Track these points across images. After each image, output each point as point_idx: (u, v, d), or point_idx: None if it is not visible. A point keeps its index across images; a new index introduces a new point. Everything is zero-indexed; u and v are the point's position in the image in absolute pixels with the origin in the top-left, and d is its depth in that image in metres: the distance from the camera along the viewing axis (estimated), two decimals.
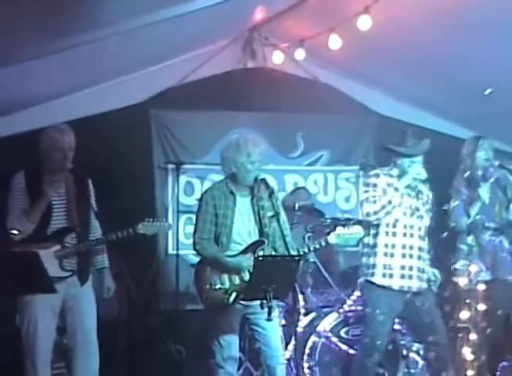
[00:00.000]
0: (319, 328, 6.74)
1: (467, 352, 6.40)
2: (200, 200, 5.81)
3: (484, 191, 6.56)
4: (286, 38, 8.12)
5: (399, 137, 6.00)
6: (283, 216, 5.77)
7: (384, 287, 5.94)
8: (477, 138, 6.78)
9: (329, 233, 5.87)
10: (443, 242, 6.62)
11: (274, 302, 5.22)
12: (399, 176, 5.97)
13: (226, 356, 5.65)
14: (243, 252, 5.66)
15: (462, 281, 6.51)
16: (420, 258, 5.98)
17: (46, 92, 7.30)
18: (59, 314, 5.58)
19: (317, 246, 5.83)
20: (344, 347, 6.68)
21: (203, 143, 8.38)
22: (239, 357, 6.09)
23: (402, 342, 6.60)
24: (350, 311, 6.78)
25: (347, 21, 6.69)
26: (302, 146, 8.74)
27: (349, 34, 6.89)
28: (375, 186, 5.95)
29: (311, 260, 7.19)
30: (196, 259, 6.00)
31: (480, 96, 7.28)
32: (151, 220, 5.77)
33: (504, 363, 6.60)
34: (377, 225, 5.97)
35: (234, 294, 5.55)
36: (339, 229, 5.86)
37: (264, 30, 8.27)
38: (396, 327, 6.52)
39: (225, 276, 5.62)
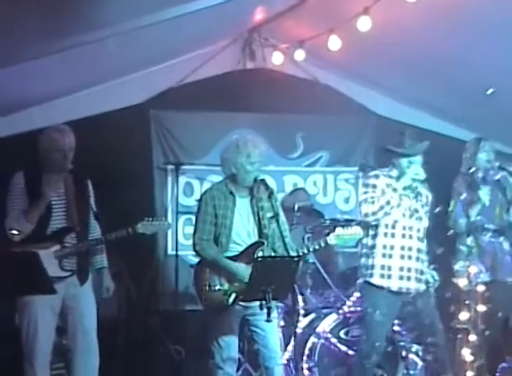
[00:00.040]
0: (319, 329, 6.74)
1: (467, 354, 6.41)
2: (200, 200, 5.81)
3: (484, 193, 6.57)
4: (286, 39, 8.12)
5: (398, 138, 6.00)
6: (283, 217, 5.77)
7: (382, 287, 5.94)
8: (478, 139, 6.79)
9: (328, 234, 5.86)
10: (443, 243, 6.62)
11: (273, 303, 5.22)
12: (398, 177, 5.97)
13: (225, 357, 5.65)
14: (243, 254, 5.65)
15: (461, 282, 6.52)
16: (418, 259, 5.98)
17: (46, 93, 7.30)
18: (58, 314, 5.57)
19: (316, 247, 5.82)
20: (343, 348, 6.68)
21: (203, 144, 8.38)
22: (239, 358, 6.09)
23: (402, 343, 6.60)
24: (349, 312, 6.78)
25: (346, 22, 6.69)
26: (302, 146, 8.74)
27: (349, 35, 6.89)
28: (374, 186, 5.95)
29: (311, 261, 7.20)
30: (196, 260, 5.99)
31: (479, 97, 7.28)
32: (150, 219, 5.77)
33: (504, 365, 6.60)
34: (376, 227, 5.97)
35: (233, 295, 5.54)
36: (338, 230, 5.86)
37: (263, 30, 8.27)
38: (395, 328, 6.53)
39: (225, 278, 5.61)
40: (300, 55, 7.90)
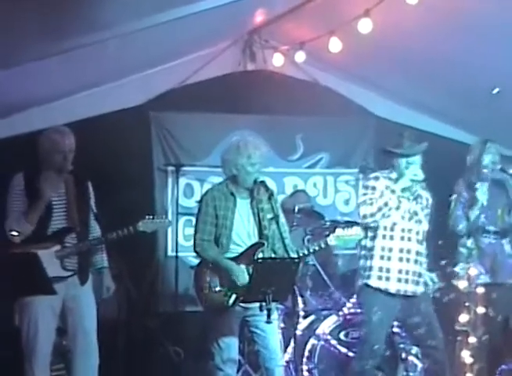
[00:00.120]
0: (319, 331, 6.74)
1: (466, 356, 6.41)
2: (200, 201, 5.82)
3: (480, 193, 6.58)
4: (287, 41, 8.13)
5: (397, 139, 6.00)
6: (283, 219, 5.77)
7: (380, 289, 5.94)
8: (484, 141, 6.78)
9: (328, 235, 5.87)
10: (443, 245, 6.62)
11: (273, 305, 5.23)
12: (397, 179, 5.97)
13: (225, 358, 5.65)
14: (243, 255, 5.65)
15: (461, 284, 6.52)
16: (416, 262, 5.97)
17: (46, 94, 7.30)
18: (59, 315, 5.57)
19: (316, 248, 5.83)
20: (343, 350, 6.69)
21: (203, 145, 8.38)
22: (239, 359, 6.10)
23: (401, 346, 6.60)
24: (349, 314, 6.78)
25: (347, 24, 6.70)
26: (302, 148, 8.75)
27: (349, 37, 6.90)
28: (373, 188, 5.95)
29: (311, 263, 7.20)
30: (196, 261, 6.00)
31: (479, 99, 7.30)
32: (151, 217, 5.77)
33: (503, 367, 6.60)
34: (375, 229, 5.97)
35: (233, 297, 5.54)
36: (338, 231, 5.86)
37: (264, 32, 8.27)
38: (395, 330, 6.53)
39: (225, 279, 5.62)
40: (300, 56, 7.90)
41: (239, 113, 8.44)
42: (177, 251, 8.05)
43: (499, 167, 6.62)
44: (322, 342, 6.70)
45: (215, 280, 5.63)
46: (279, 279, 5.17)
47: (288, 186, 8.66)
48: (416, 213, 5.99)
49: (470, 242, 6.66)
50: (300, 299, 6.94)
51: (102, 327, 5.79)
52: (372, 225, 5.94)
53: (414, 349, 6.45)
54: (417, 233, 5.99)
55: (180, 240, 8.22)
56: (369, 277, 5.97)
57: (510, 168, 6.60)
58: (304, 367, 6.66)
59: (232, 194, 5.72)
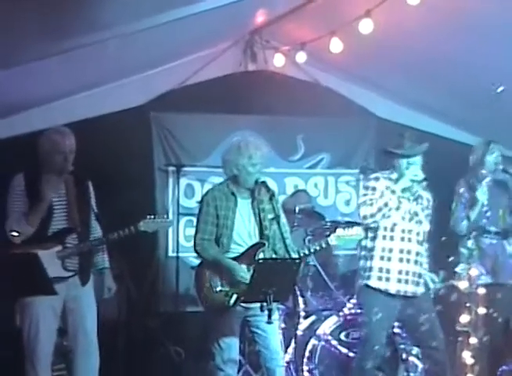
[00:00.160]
0: (319, 331, 6.74)
1: (467, 356, 6.40)
2: (201, 201, 5.82)
3: (481, 193, 6.57)
4: (288, 41, 8.12)
5: (397, 140, 6.00)
6: (283, 219, 5.78)
7: (379, 290, 5.94)
8: (487, 142, 6.78)
9: (329, 235, 5.87)
10: (444, 246, 6.62)
11: (274, 305, 5.23)
12: (397, 179, 5.97)
13: (226, 359, 5.65)
14: (244, 255, 5.65)
15: (462, 285, 6.51)
16: (416, 262, 5.97)
17: (46, 94, 7.30)
18: (60, 316, 5.57)
19: (317, 248, 5.83)
20: (343, 350, 6.68)
21: (204, 146, 8.37)
22: (239, 360, 6.10)
23: (402, 346, 6.59)
24: (350, 314, 6.78)
25: (348, 24, 6.69)
26: (303, 149, 8.74)
27: (350, 38, 6.89)
28: (374, 189, 5.95)
29: (312, 263, 7.19)
30: (197, 261, 6.00)
31: (481, 100, 7.28)
32: (152, 217, 5.77)
33: (504, 367, 6.60)
34: (376, 229, 5.97)
35: (234, 297, 5.54)
36: (339, 231, 5.87)
37: (265, 32, 8.27)
38: (396, 330, 6.53)
39: (226, 279, 5.62)
40: (301, 57, 7.90)
41: (240, 114, 8.44)
42: (178, 252, 8.05)
43: (501, 167, 6.62)
44: (322, 343, 6.70)
45: (216, 280, 5.63)
46: (280, 279, 5.17)
47: (289, 186, 8.65)
48: (416, 214, 5.99)
49: (470, 242, 6.66)
50: (301, 299, 6.94)
51: (103, 327, 5.80)
52: (372, 225, 5.94)
53: (415, 350, 6.45)
54: (418, 233, 5.99)
55: (181, 241, 8.23)
56: (369, 278, 5.97)
57: (511, 169, 6.60)
58: (305, 368, 6.66)
59: (233, 194, 5.72)
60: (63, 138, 5.53)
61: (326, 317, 6.84)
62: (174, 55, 7.94)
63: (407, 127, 7.98)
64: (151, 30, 5.65)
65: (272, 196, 5.65)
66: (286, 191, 8.53)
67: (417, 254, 5.97)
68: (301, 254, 5.70)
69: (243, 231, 5.72)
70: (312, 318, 6.95)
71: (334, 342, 6.71)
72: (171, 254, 8.33)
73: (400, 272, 5.92)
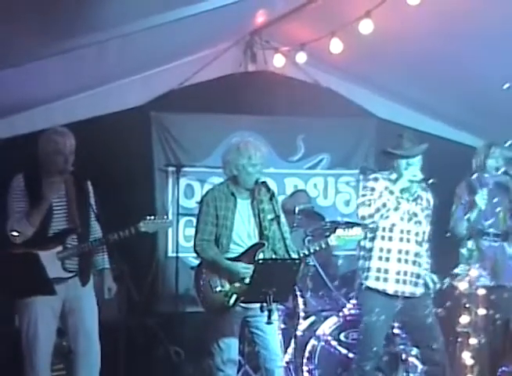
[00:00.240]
0: (319, 332, 6.74)
1: (467, 357, 6.40)
2: (201, 202, 5.83)
3: (480, 197, 6.57)
4: (288, 42, 8.12)
5: (396, 140, 6.01)
6: (283, 219, 5.78)
7: (377, 290, 5.95)
8: (489, 145, 6.78)
9: (329, 236, 5.87)
10: (445, 246, 6.62)
11: (274, 305, 5.23)
12: (396, 179, 5.97)
13: (226, 359, 5.66)
14: (244, 255, 5.66)
15: (462, 286, 6.51)
16: (415, 263, 5.97)
17: (46, 94, 7.29)
18: (59, 316, 5.57)
19: (317, 248, 5.84)
20: (343, 351, 6.68)
21: (204, 146, 8.37)
22: (239, 360, 6.10)
23: (401, 347, 6.59)
24: (349, 315, 6.78)
25: (348, 25, 6.69)
26: (303, 149, 8.74)
27: (350, 38, 6.89)
28: (373, 189, 5.95)
29: (311, 263, 7.19)
30: (196, 262, 6.01)
31: (481, 101, 7.29)
32: (152, 218, 5.77)
33: (504, 368, 6.60)
34: (375, 229, 5.97)
35: (234, 297, 5.55)
36: (339, 231, 5.88)
37: (265, 33, 8.27)
38: (395, 331, 6.53)
39: (226, 279, 5.62)
40: (301, 57, 7.90)
41: (240, 114, 8.43)
42: (177, 252, 8.06)
43: (503, 169, 6.62)
44: (322, 343, 6.70)
45: (216, 280, 5.64)
46: (279, 279, 5.18)
47: (289, 186, 8.65)
48: (415, 214, 5.99)
49: (470, 243, 6.67)
50: (300, 300, 6.94)
51: (103, 327, 5.78)
52: (371, 226, 5.94)
53: (414, 350, 6.44)
54: (416, 234, 5.99)
55: (180, 241, 8.23)
56: (367, 278, 5.98)
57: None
58: (305, 368, 6.66)
59: (232, 195, 5.73)
60: (63, 138, 5.53)
61: (326, 318, 6.84)
62: (174, 55, 7.93)
63: (407, 127, 7.98)
64: (151, 30, 5.64)
65: (271, 196, 5.65)
66: (286, 191, 8.53)
67: (416, 254, 5.98)
68: (301, 255, 5.71)
69: (243, 231, 5.72)
70: (312, 318, 6.95)
71: (334, 343, 6.71)
72: (170, 254, 8.34)
73: (398, 273, 5.92)
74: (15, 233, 5.37)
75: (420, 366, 6.40)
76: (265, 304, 5.22)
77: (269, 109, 8.26)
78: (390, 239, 5.95)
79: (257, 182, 5.68)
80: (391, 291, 5.91)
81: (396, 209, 5.90)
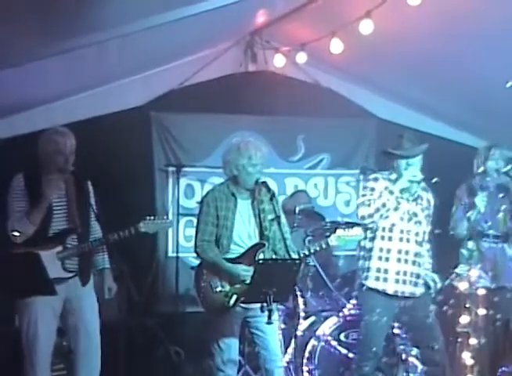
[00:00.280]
0: (319, 332, 6.74)
1: (467, 357, 6.41)
2: (201, 202, 5.83)
3: (480, 199, 6.57)
4: (288, 42, 8.12)
5: (397, 140, 6.01)
6: (283, 219, 5.78)
7: (377, 290, 5.95)
8: (489, 147, 6.78)
9: (329, 236, 5.87)
10: (445, 246, 6.62)
11: (274, 305, 5.23)
12: (396, 180, 5.97)
13: (226, 359, 5.66)
14: (244, 255, 5.65)
15: (462, 286, 6.51)
16: (415, 263, 5.98)
17: (46, 94, 7.29)
18: (59, 316, 5.57)
19: (317, 248, 5.85)
20: (343, 351, 6.68)
21: (204, 146, 8.37)
22: (239, 360, 6.10)
23: (401, 347, 6.59)
24: (349, 315, 6.77)
25: (349, 25, 6.68)
26: (303, 149, 8.73)
27: (351, 38, 6.89)
28: (372, 189, 5.96)
29: (312, 263, 7.19)
30: (196, 262, 6.01)
31: (482, 101, 7.28)
32: (152, 218, 5.77)
33: (504, 369, 6.60)
34: (375, 229, 5.97)
35: (234, 297, 5.55)
36: (339, 232, 5.88)
37: (265, 33, 8.26)
38: (395, 331, 6.52)
39: (226, 279, 5.62)
40: (301, 57, 7.89)
41: (240, 114, 8.42)
42: (177, 252, 8.06)
43: (503, 170, 6.61)
44: (322, 343, 6.70)
45: (216, 280, 5.64)
46: (280, 280, 5.18)
47: (289, 186, 8.65)
48: (415, 214, 5.99)
49: (470, 244, 6.67)
50: (300, 300, 6.93)
51: (103, 327, 5.78)
52: (370, 226, 5.94)
53: (414, 350, 6.44)
54: (416, 234, 5.99)
55: (181, 241, 8.23)
56: (366, 278, 5.98)
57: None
58: (305, 368, 6.66)
59: (233, 195, 5.73)
60: (63, 138, 5.53)
61: (326, 318, 6.84)
62: (174, 55, 7.93)
63: (408, 128, 7.98)
64: (151, 30, 5.64)
65: (272, 196, 5.65)
66: (286, 191, 8.52)
67: (416, 254, 5.98)
68: (301, 255, 5.72)
69: (243, 232, 5.72)
70: (312, 319, 6.95)
71: (334, 343, 6.71)
72: (170, 254, 8.34)
73: (398, 273, 5.92)
74: (16, 233, 5.37)
75: (420, 367, 6.40)
76: (265, 304, 5.23)
77: (270, 109, 8.26)
78: (390, 239, 5.95)
79: (258, 182, 5.68)
80: (390, 291, 5.92)
81: (396, 209, 5.91)
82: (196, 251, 5.74)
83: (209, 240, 5.68)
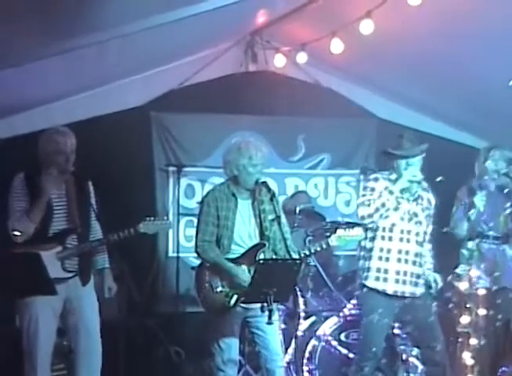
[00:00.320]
0: (319, 332, 6.74)
1: (467, 357, 6.41)
2: (202, 202, 5.83)
3: (478, 199, 6.57)
4: (288, 42, 8.12)
5: (397, 140, 6.01)
6: (284, 219, 5.78)
7: (377, 290, 5.95)
8: (489, 148, 6.78)
9: (329, 236, 5.87)
10: (446, 246, 6.61)
11: (274, 305, 5.23)
12: (396, 180, 5.97)
13: (226, 359, 5.65)
14: (245, 255, 5.65)
15: (462, 286, 6.51)
16: (415, 263, 5.97)
17: (46, 94, 7.29)
18: (60, 316, 5.57)
19: (318, 248, 5.85)
20: (343, 351, 6.69)
21: (204, 146, 8.37)
22: (239, 360, 6.10)
23: (402, 347, 6.59)
24: (350, 315, 6.78)
25: (349, 25, 6.68)
26: (303, 149, 8.73)
27: (351, 38, 6.88)
28: (372, 190, 5.96)
29: (312, 263, 7.19)
30: (197, 262, 6.01)
31: (482, 101, 7.28)
32: (152, 219, 5.77)
33: (504, 369, 6.60)
34: (375, 229, 5.97)
35: (235, 297, 5.55)
36: (340, 232, 5.88)
37: (266, 33, 8.26)
38: (396, 331, 6.52)
39: (226, 279, 5.62)
40: (302, 57, 7.90)
41: (240, 114, 8.42)
42: (178, 252, 8.06)
43: (503, 171, 6.61)
44: (322, 343, 6.70)
45: (216, 280, 5.63)
46: (280, 280, 5.17)
47: (289, 186, 8.65)
48: (416, 214, 5.99)
49: (471, 244, 6.66)
50: (301, 300, 6.93)
51: (104, 327, 5.78)
52: (370, 226, 5.94)
53: (415, 351, 6.44)
54: (417, 234, 5.99)
55: (181, 241, 8.24)
56: (367, 278, 5.98)
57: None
58: (305, 368, 6.67)
59: (233, 195, 5.73)
60: (64, 138, 5.53)
61: (327, 318, 6.84)
62: (174, 55, 7.93)
63: (408, 128, 7.98)
64: (152, 30, 5.64)
65: (272, 196, 5.65)
66: (287, 192, 8.52)
67: (416, 254, 5.97)
68: (302, 255, 5.72)
69: (244, 232, 5.72)
70: (312, 319, 6.95)
71: (334, 343, 6.71)
72: (171, 254, 8.33)
73: (398, 273, 5.92)
74: (16, 233, 5.37)
75: (420, 367, 6.41)
76: (265, 304, 5.23)
77: (270, 109, 8.26)
78: (390, 239, 5.95)
79: (258, 182, 5.67)
80: (390, 291, 5.91)
81: (396, 209, 5.90)
82: (196, 252, 5.73)
83: (210, 241, 5.68)
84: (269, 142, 7.75)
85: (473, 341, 6.43)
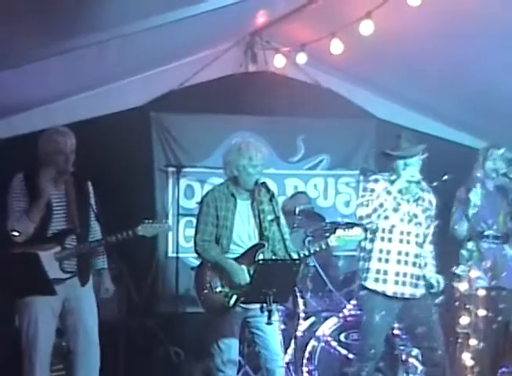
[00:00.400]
0: (319, 332, 6.74)
1: (467, 358, 6.40)
2: (201, 202, 5.83)
3: (474, 194, 6.56)
4: (288, 42, 8.12)
5: (395, 141, 6.00)
6: (283, 220, 5.78)
7: (376, 292, 5.94)
8: (487, 148, 6.77)
9: (329, 236, 5.87)
10: (445, 247, 6.61)
11: (274, 306, 5.23)
12: (394, 180, 5.96)
13: (226, 360, 5.65)
14: (244, 256, 5.65)
15: (462, 286, 6.51)
16: (415, 264, 5.97)
17: (46, 95, 7.29)
18: (59, 316, 5.56)
19: (317, 248, 5.84)
20: (343, 351, 6.68)
21: (204, 147, 8.37)
22: (239, 361, 6.10)
23: (402, 347, 6.59)
24: (349, 315, 6.78)
25: (349, 26, 6.68)
26: (303, 150, 8.73)
27: (351, 39, 6.89)
28: (372, 191, 5.95)
29: (311, 264, 7.19)
30: (196, 262, 6.01)
31: (482, 102, 7.28)
32: (150, 221, 5.75)
33: (504, 369, 6.59)
34: (375, 231, 5.97)
35: (234, 298, 5.54)
36: (339, 232, 5.87)
37: (266, 33, 8.26)
38: (395, 332, 6.52)
39: (226, 280, 5.61)
40: (302, 58, 7.89)
41: (240, 115, 8.43)
42: (177, 252, 8.06)
43: (503, 171, 6.61)
44: (322, 344, 6.70)
45: (216, 280, 5.63)
46: (279, 280, 5.18)
47: (289, 187, 8.65)
48: (415, 215, 5.98)
49: (470, 244, 6.66)
50: (300, 301, 6.93)
51: (103, 327, 5.78)
52: (369, 226, 5.94)
53: (414, 351, 6.44)
54: (417, 235, 5.98)
55: (181, 241, 8.23)
56: (366, 279, 5.97)
57: (510, 173, 6.59)
58: (305, 369, 6.67)
59: (232, 195, 5.73)
60: (63, 138, 5.52)
61: (326, 318, 6.84)
62: (174, 56, 7.93)
63: (407, 128, 7.98)
64: (151, 30, 5.64)
65: (271, 197, 5.65)
66: (286, 192, 8.52)
67: (416, 256, 5.97)
68: (301, 255, 5.71)
69: (243, 232, 5.72)
70: (312, 319, 6.95)
71: (334, 343, 6.71)
72: (170, 254, 8.34)
73: (397, 274, 5.91)
74: (16, 233, 5.36)
75: (420, 367, 6.41)
76: (265, 304, 5.23)
77: (270, 109, 8.26)
78: (389, 240, 5.94)
79: (257, 182, 5.67)
80: (390, 293, 5.91)
81: (395, 210, 5.90)
82: (196, 251, 5.73)
83: (209, 240, 5.68)
84: (269, 143, 7.76)
85: (472, 342, 6.43)
